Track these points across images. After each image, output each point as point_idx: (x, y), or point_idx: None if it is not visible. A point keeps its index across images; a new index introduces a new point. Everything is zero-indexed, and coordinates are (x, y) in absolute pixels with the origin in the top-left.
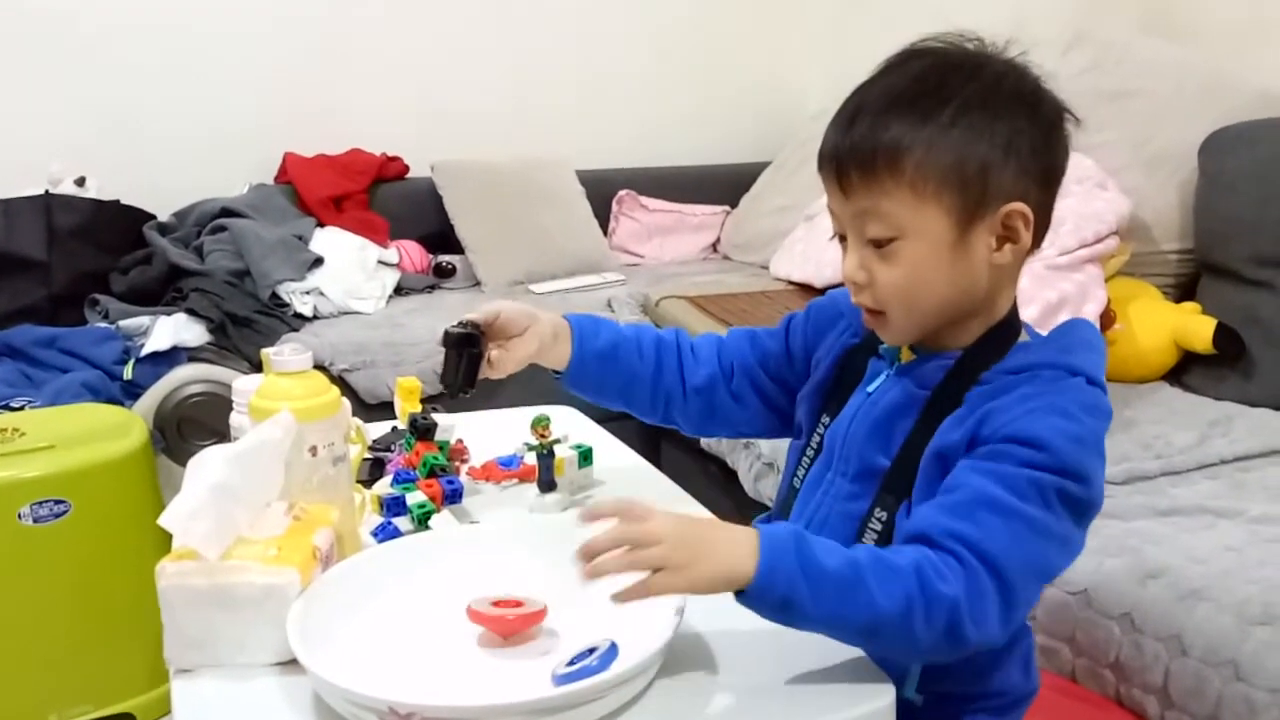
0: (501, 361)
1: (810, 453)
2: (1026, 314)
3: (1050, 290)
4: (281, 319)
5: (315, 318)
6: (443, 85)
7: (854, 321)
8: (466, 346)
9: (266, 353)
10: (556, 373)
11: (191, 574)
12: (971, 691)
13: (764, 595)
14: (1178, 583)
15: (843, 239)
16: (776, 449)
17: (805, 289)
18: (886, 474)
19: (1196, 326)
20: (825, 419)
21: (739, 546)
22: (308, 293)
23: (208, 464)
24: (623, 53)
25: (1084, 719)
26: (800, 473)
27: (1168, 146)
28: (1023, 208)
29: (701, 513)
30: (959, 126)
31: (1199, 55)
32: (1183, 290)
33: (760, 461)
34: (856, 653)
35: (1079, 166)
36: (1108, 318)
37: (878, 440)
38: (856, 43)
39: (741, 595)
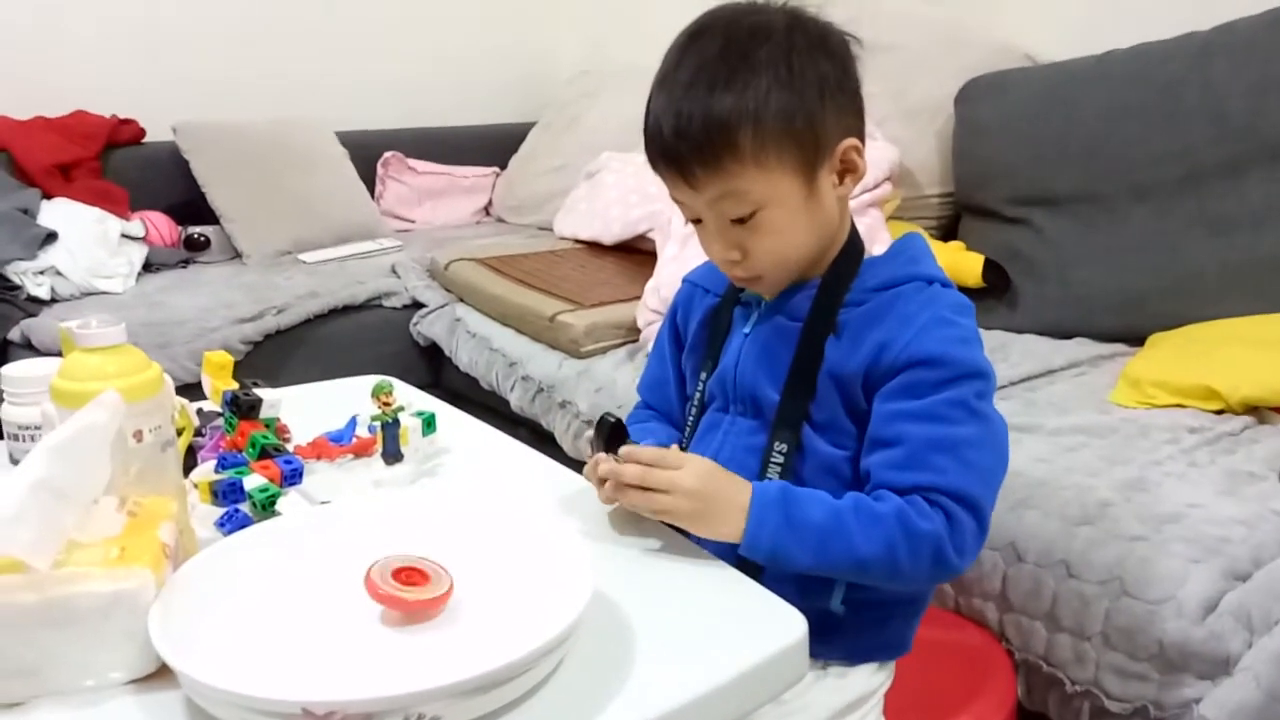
0: None
1: (694, 410)
2: None
3: None
4: (14, 303)
5: (54, 300)
6: (176, 40)
7: (709, 285)
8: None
9: (67, 327)
10: None
11: (15, 589)
12: (888, 600)
13: (753, 550)
14: (1005, 495)
15: (696, 222)
16: (595, 406)
17: (594, 246)
18: (778, 407)
19: (967, 263)
20: (703, 375)
21: (737, 511)
22: (42, 272)
23: (27, 459)
24: (370, 7)
25: (940, 638)
26: (686, 430)
27: (923, 98)
28: (854, 142)
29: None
30: (775, 90)
31: (942, 11)
32: (945, 231)
33: (579, 420)
34: (764, 593)
35: None
36: None
37: (764, 375)
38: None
39: (738, 549)
